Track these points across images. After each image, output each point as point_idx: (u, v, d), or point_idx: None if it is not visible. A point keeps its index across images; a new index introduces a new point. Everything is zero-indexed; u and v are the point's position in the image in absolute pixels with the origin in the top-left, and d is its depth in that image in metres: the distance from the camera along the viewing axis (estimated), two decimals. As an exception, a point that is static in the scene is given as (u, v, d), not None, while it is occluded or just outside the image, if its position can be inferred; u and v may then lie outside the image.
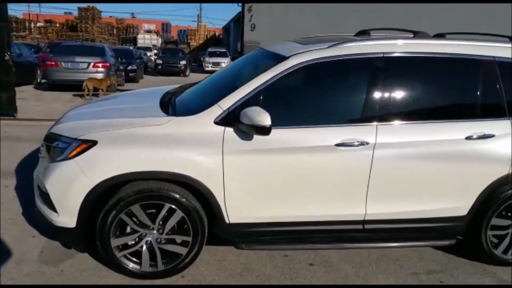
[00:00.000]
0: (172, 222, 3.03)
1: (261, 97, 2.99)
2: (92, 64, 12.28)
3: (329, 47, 3.15)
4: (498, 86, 3.23)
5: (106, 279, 3.12)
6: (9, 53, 7.35)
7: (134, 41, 42.66)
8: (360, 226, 3.24)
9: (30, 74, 13.77)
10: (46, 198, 3.04)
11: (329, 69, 3.17)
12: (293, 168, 3.03)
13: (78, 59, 12.34)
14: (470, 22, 8.33)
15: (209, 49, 28.20)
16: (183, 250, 3.10)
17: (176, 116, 3.12)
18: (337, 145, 3.00)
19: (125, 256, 3.07)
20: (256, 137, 2.92)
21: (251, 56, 4.00)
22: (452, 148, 3.13)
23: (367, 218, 3.21)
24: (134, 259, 3.10)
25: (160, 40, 44.51)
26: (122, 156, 2.89)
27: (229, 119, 2.93)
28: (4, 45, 7.27)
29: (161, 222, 3.04)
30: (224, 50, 28.42)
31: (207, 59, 25.65)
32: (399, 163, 3.11)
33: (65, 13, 57.47)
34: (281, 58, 3.14)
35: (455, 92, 3.30)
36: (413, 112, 3.20)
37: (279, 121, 3.00)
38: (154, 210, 3.03)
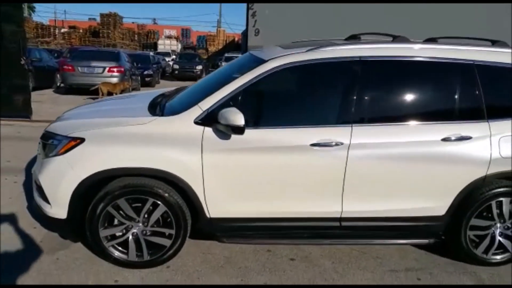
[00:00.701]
0: (156, 215, 3.21)
1: (239, 99, 3.15)
2: (107, 68, 12.70)
3: (307, 51, 3.29)
4: (476, 89, 3.30)
5: (96, 267, 3.32)
6: (24, 58, 7.70)
7: (154, 46, 43.45)
8: (337, 223, 3.36)
9: (50, 78, 14.27)
10: (41, 191, 3.26)
11: (306, 72, 3.32)
12: (270, 167, 3.17)
13: (94, 63, 12.77)
14: (471, 22, 8.28)
15: (226, 54, 28.51)
16: (167, 242, 3.28)
17: (163, 116, 3.32)
18: (312, 145, 3.13)
19: (113, 246, 3.27)
20: (234, 137, 3.08)
21: (238, 60, 4.18)
22: (428, 149, 3.22)
23: (343, 215, 3.32)
24: (122, 249, 3.29)
25: (179, 46, 45.18)
26: (107, 153, 3.09)
27: (208, 119, 3.10)
28: (20, 50, 7.62)
29: (146, 215, 3.23)
30: (239, 55, 28.66)
31: (223, 64, 25.95)
32: (374, 163, 3.21)
33: (89, 19, 59.02)
34: (260, 62, 3.29)
35: (432, 94, 3.38)
36: (389, 114, 3.31)
37: (257, 121, 3.20)
38: (139, 204, 3.21)
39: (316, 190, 3.26)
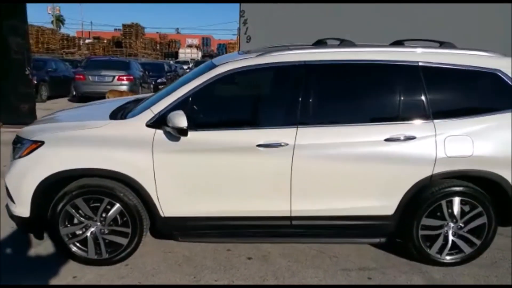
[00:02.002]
0: (112, 215, 3.39)
1: (190, 103, 3.31)
2: (117, 77, 13.13)
3: (256, 56, 3.42)
4: (421, 90, 3.36)
5: (57, 263, 3.52)
6: (29, 68, 8.11)
7: (176, 55, 44.34)
8: (288, 222, 3.45)
9: (66, 88, 14.82)
10: (7, 191, 3.49)
11: (254, 76, 3.45)
12: (219, 167, 3.30)
13: (104, 72, 13.23)
14: (471, 22, 8.19)
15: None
16: (124, 241, 3.45)
17: (122, 119, 3.50)
18: (259, 145, 3.25)
19: (73, 244, 3.46)
20: (184, 138, 3.23)
21: (200, 66, 4.34)
22: (371, 149, 3.29)
23: (293, 214, 3.41)
24: (82, 246, 3.47)
25: (200, 54, 45.93)
26: (64, 155, 3.29)
27: (159, 122, 3.27)
28: (25, 61, 8.03)
29: (103, 215, 3.40)
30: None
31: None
32: (319, 163, 3.30)
33: (115, 29, 60.69)
34: (212, 67, 3.45)
35: (376, 96, 3.45)
36: (333, 116, 3.41)
37: (206, 124, 3.35)
38: (98, 204, 3.40)
39: (265, 190, 3.37)
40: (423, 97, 3.35)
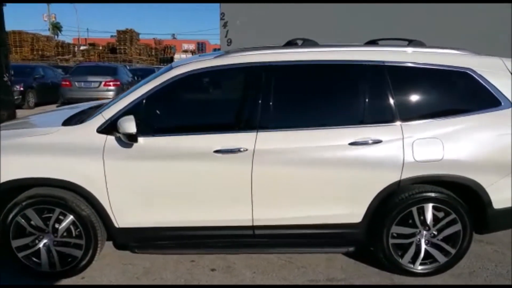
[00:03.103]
0: (64, 226, 3.20)
1: (142, 107, 3.14)
2: (103, 82, 12.95)
3: (214, 57, 3.26)
4: (387, 91, 3.19)
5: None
6: (7, 75, 7.96)
7: (171, 60, 44.16)
8: (251, 232, 3.28)
9: (54, 94, 14.64)
10: None
11: (211, 78, 3.30)
12: (175, 175, 3.13)
13: (90, 78, 13.06)
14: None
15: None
16: (78, 253, 3.26)
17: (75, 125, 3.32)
18: (216, 151, 3.08)
19: (26, 256, 3.27)
20: (136, 145, 3.06)
21: (161, 70, 4.17)
22: (335, 154, 3.12)
23: (255, 223, 3.23)
24: (35, 259, 3.28)
25: (195, 59, 45.83)
26: (13, 163, 3.11)
27: (110, 128, 3.09)
28: (3, 67, 7.87)
29: (56, 226, 3.22)
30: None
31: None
32: (280, 169, 3.13)
33: (111, 36, 60.62)
34: (168, 69, 3.28)
35: (340, 98, 3.29)
36: (295, 119, 3.23)
37: (161, 129, 3.18)
38: (51, 215, 3.22)
39: (225, 198, 3.19)
40: (389, 99, 3.18)
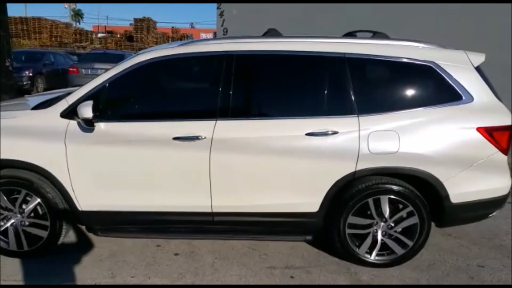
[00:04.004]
0: (31, 207, 3.34)
1: (105, 93, 3.22)
2: (109, 70, 13.10)
3: (178, 45, 3.31)
4: (347, 83, 3.20)
5: None
6: (9, 60, 8.17)
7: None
8: (210, 218, 3.35)
9: (63, 81, 14.90)
10: None
11: (174, 66, 3.34)
12: (135, 160, 3.21)
13: (97, 65, 13.25)
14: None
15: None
16: (44, 234, 3.39)
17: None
18: (175, 138, 3.15)
19: (-4, 235, 3.42)
20: (97, 130, 3.16)
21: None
22: (292, 144, 3.15)
23: (214, 210, 3.30)
24: (4, 238, 3.43)
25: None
26: None
27: (72, 113, 3.19)
28: (4, 52, 8.08)
29: (23, 206, 3.35)
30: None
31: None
32: (238, 158, 3.18)
33: (130, 24, 61.00)
34: (133, 56, 3.35)
35: (300, 89, 3.30)
36: (254, 109, 3.29)
37: (121, 115, 3.27)
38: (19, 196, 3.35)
39: (184, 184, 3.26)
40: (348, 91, 3.19)
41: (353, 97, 3.18)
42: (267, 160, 3.19)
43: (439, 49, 3.35)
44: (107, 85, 3.23)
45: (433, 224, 3.42)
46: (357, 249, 3.39)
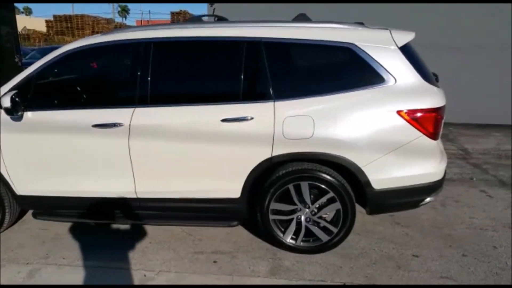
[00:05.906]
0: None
1: (33, 82, 3.38)
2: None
3: (102, 34, 3.41)
4: (263, 68, 3.16)
5: None
6: (18, 56, 8.65)
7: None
8: (137, 203, 3.45)
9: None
10: None
11: (96, 54, 3.45)
12: (58, 147, 3.36)
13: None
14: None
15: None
16: (-13, 217, 3.63)
17: None
18: (95, 126, 3.26)
19: None
20: (26, 118, 3.33)
21: None
22: (208, 130, 3.17)
23: (139, 196, 3.39)
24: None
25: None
26: None
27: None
28: (13, 48, 8.56)
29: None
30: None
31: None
32: (156, 144, 3.24)
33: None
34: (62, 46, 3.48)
35: (216, 75, 3.30)
36: (171, 96, 3.32)
37: (47, 104, 3.41)
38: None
39: (108, 171, 3.37)
40: (265, 76, 3.16)
41: (270, 83, 3.14)
42: (186, 147, 3.22)
43: (360, 29, 3.23)
44: (36, 74, 3.38)
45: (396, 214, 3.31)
46: (282, 235, 3.37)
